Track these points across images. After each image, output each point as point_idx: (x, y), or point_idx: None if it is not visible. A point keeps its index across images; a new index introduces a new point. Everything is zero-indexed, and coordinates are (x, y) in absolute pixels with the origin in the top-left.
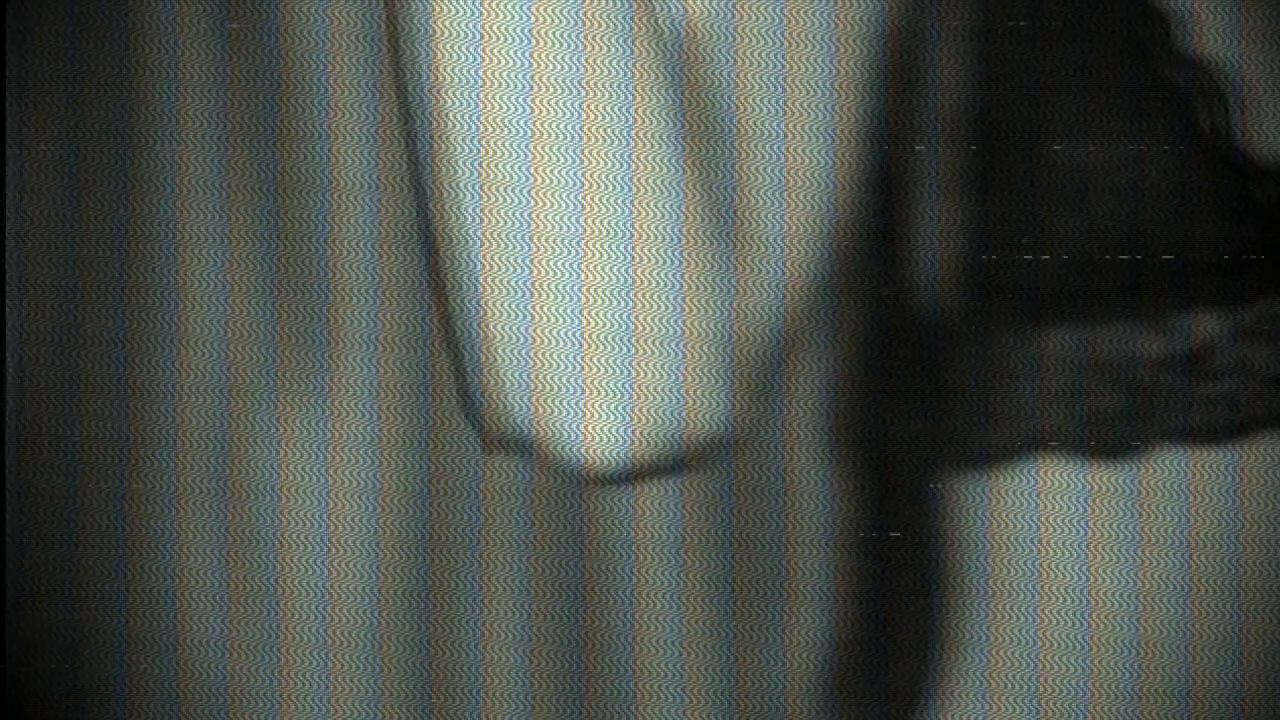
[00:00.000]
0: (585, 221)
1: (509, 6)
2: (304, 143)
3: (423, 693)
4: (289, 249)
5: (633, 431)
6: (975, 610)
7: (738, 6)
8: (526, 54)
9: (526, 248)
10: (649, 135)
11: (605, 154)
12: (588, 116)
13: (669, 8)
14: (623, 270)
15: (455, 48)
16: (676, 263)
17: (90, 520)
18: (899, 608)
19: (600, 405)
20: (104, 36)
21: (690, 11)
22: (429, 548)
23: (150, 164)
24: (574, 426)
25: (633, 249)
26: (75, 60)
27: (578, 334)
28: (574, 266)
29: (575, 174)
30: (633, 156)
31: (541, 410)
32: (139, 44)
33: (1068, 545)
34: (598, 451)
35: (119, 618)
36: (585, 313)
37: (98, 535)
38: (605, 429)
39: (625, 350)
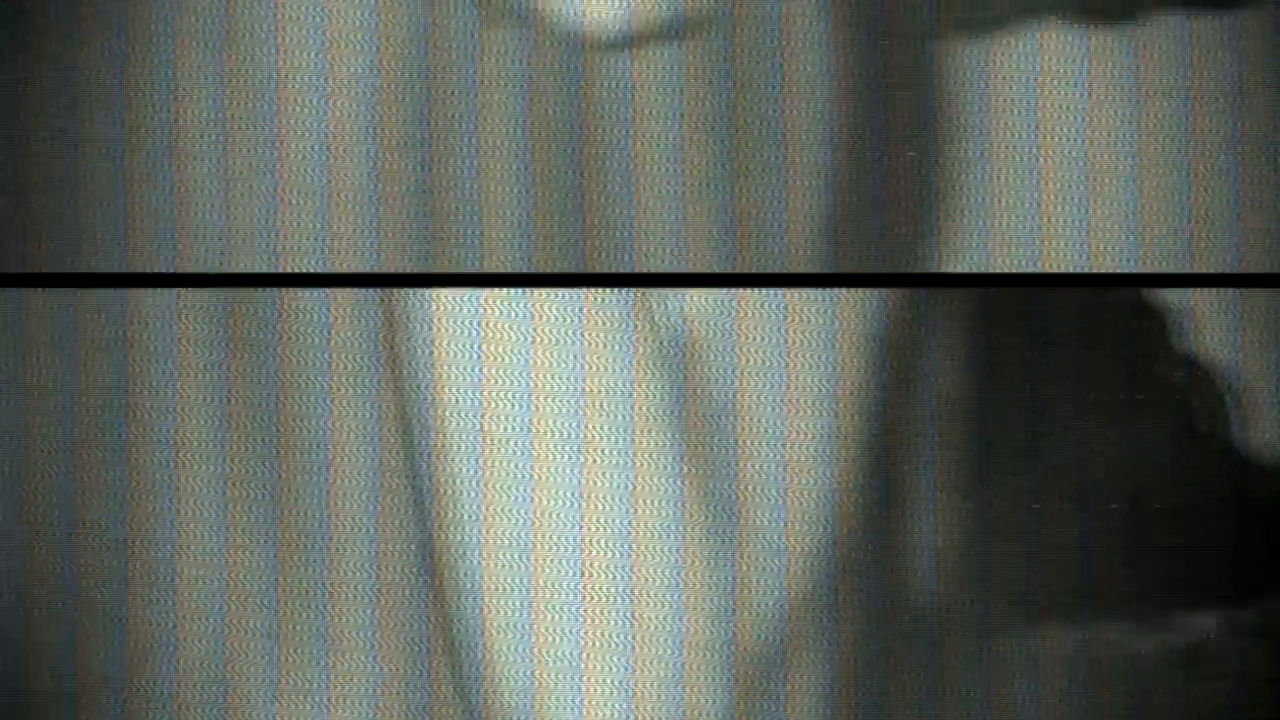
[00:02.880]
0: (585, 527)
1: (509, 312)
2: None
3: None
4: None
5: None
6: None
7: (736, 309)
8: (526, 361)
9: (526, 555)
10: (649, 441)
11: (605, 459)
12: (588, 422)
13: (668, 311)
14: (623, 575)
15: (456, 366)
16: (676, 566)
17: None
18: None
19: (601, 713)
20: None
21: (689, 314)
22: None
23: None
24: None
25: (632, 553)
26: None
27: (578, 640)
28: (574, 572)
29: (576, 480)
30: (632, 462)
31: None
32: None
33: None
34: None
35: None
36: (586, 620)
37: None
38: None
39: (625, 656)
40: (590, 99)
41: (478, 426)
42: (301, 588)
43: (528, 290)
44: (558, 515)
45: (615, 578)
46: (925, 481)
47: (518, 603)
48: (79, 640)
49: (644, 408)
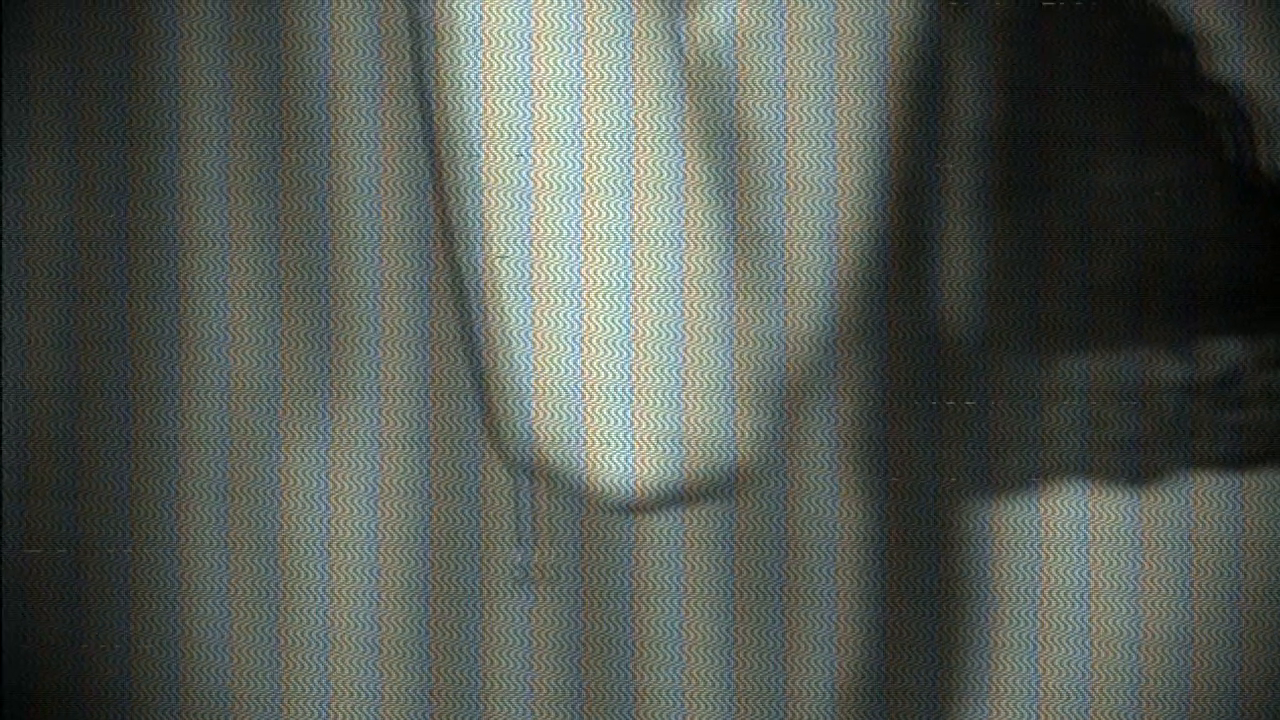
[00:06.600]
0: (588, 223)
1: (515, 9)
2: (307, 143)
3: (423, 693)
4: (292, 249)
5: (646, 455)
6: (981, 621)
7: (743, 7)
8: (534, 57)
9: (532, 249)
10: (654, 136)
11: (610, 155)
12: (589, 117)
13: (676, 9)
14: (624, 271)
15: (470, 51)
16: (680, 265)
17: (92, 520)
18: (911, 617)
19: (607, 427)
20: (106, 36)
21: (697, 12)
22: (429, 548)
23: (152, 164)
24: (579, 450)
25: (633, 249)
26: (77, 60)
27: (580, 337)
28: (576, 269)
29: (579, 174)
30: (636, 157)
31: (549, 435)
32: (141, 44)
33: (1081, 565)
34: (610, 475)
35: (120, 618)
36: (589, 318)
37: (99, 535)
38: (616, 453)
39: (629, 362)
40: None
41: (478, 112)
42: (302, 284)
43: None
44: (563, 210)
45: (618, 274)
46: (945, 194)
47: (528, 301)
48: None
49: (649, 101)
